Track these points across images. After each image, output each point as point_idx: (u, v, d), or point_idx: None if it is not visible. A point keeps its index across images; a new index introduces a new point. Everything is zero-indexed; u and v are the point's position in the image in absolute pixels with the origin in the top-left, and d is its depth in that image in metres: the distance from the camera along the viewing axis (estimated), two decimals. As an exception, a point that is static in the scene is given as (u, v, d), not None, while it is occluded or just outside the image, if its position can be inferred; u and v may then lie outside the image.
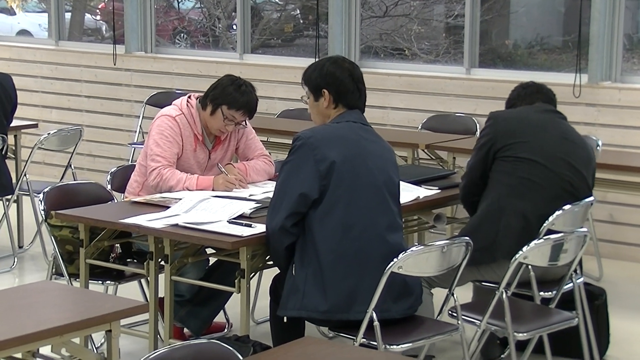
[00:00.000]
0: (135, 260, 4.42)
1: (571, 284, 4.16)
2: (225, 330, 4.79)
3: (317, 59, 4.15)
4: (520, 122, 4.20)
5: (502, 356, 4.35)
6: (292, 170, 3.71)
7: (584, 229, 3.99)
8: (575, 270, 4.19)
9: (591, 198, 4.23)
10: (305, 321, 3.82)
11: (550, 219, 4.02)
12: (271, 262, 3.92)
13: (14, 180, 6.05)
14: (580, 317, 4.06)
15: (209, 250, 4.17)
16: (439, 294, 4.10)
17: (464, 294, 4.29)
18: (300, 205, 3.66)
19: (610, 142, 6.13)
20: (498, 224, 4.06)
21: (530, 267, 3.93)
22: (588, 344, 4.24)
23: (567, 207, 4.07)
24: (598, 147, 5.83)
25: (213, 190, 4.40)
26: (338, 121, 3.81)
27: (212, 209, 4.02)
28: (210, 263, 4.53)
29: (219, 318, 4.72)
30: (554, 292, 4.09)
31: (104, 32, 9.43)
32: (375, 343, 3.55)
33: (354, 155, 3.72)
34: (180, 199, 4.20)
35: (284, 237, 3.69)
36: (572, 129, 4.32)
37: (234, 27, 8.22)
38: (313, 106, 3.90)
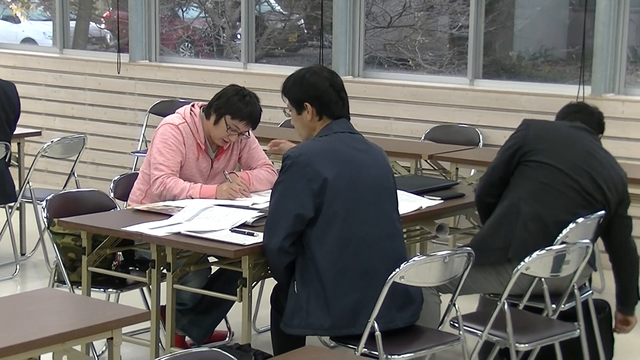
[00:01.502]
0: (137, 269, 4.42)
1: (584, 296, 4.20)
2: (227, 339, 4.79)
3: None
4: (551, 131, 4.26)
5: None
6: (285, 190, 3.67)
7: (586, 240, 3.99)
8: (584, 283, 4.22)
9: (602, 212, 4.22)
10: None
11: (565, 231, 4.03)
12: (273, 271, 3.92)
13: (17, 188, 6.06)
14: (583, 328, 4.06)
15: (211, 259, 4.17)
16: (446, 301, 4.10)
17: (468, 304, 4.29)
18: (297, 225, 3.64)
19: (614, 155, 6.10)
20: (515, 226, 4.08)
21: (543, 279, 3.94)
22: (596, 357, 4.25)
23: (580, 220, 4.08)
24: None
25: (216, 198, 4.41)
26: (326, 133, 3.75)
27: (215, 218, 4.02)
28: (213, 272, 4.53)
29: (221, 327, 4.72)
30: (567, 305, 4.11)
31: (109, 41, 9.45)
32: (376, 353, 3.55)
33: (347, 169, 3.68)
34: (183, 207, 4.20)
35: (283, 257, 3.68)
36: (603, 151, 4.31)
37: (238, 36, 8.24)
38: (296, 119, 3.84)
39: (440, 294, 4.10)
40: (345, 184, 3.66)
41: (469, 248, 3.76)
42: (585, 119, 4.36)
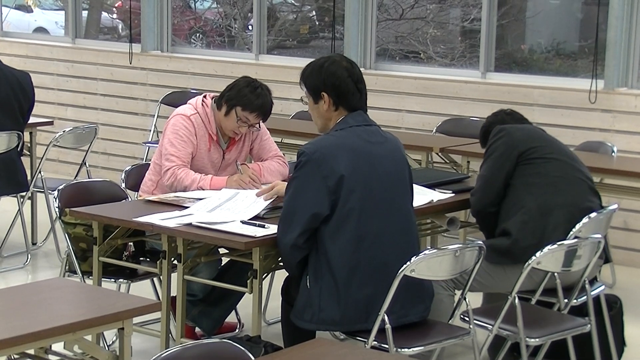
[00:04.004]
0: (148, 259, 4.42)
1: (595, 291, 4.20)
2: (237, 330, 4.80)
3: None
4: (532, 131, 4.33)
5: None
6: (300, 187, 3.65)
7: (598, 235, 3.99)
8: (595, 278, 4.22)
9: (615, 205, 4.30)
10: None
11: (578, 226, 4.06)
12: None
13: (28, 177, 6.07)
14: (594, 323, 4.05)
15: (222, 250, 4.18)
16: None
17: (477, 299, 4.28)
18: (312, 223, 3.62)
19: (626, 149, 6.10)
20: (545, 221, 4.09)
21: (556, 274, 3.94)
22: (607, 352, 4.25)
23: (593, 214, 4.11)
24: (613, 153, 5.81)
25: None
26: (341, 128, 3.71)
27: (237, 209, 4.02)
28: (223, 263, 4.54)
29: (231, 318, 4.73)
30: (578, 299, 4.12)
31: (121, 31, 9.46)
32: (386, 346, 3.55)
33: (362, 165, 3.66)
34: (195, 198, 4.21)
35: (296, 253, 3.67)
36: None
37: (250, 27, 8.23)
38: (313, 108, 3.80)
39: (456, 292, 4.09)
40: (361, 179, 3.64)
41: (480, 242, 3.75)
42: (528, 123, 4.48)
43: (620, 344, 4.50)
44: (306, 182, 3.63)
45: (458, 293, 4.08)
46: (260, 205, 4.03)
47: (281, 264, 3.93)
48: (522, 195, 4.16)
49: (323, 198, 3.60)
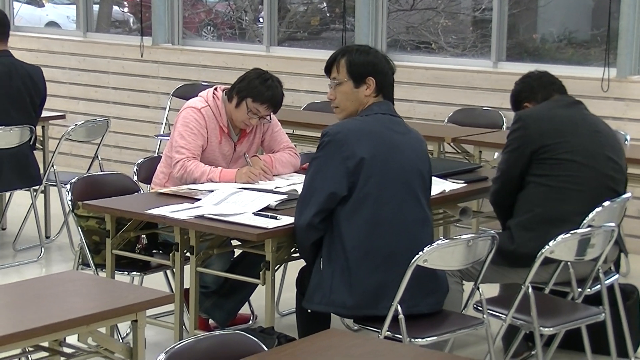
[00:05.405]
0: (161, 251, 4.43)
1: (610, 280, 4.17)
2: (250, 321, 4.80)
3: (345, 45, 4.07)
4: (551, 122, 4.14)
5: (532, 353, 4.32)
6: (320, 167, 3.68)
7: (612, 223, 3.96)
8: (610, 268, 4.19)
9: (628, 194, 4.21)
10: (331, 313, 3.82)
11: (591, 215, 3.99)
12: (296, 255, 3.92)
13: (41, 171, 6.09)
14: (608, 312, 4.03)
15: (235, 242, 4.18)
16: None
17: (492, 289, 4.27)
18: (329, 202, 3.64)
19: (639, 137, 6.07)
20: (547, 233, 3.94)
21: (569, 264, 3.91)
22: (621, 341, 4.23)
23: (606, 203, 4.05)
24: (626, 142, 5.78)
25: (236, 182, 4.40)
26: (367, 114, 3.76)
27: (242, 202, 4.02)
28: (236, 255, 4.54)
29: (244, 310, 4.73)
30: (592, 288, 4.09)
31: (132, 24, 9.47)
32: (400, 336, 3.55)
33: (383, 151, 3.68)
34: (207, 190, 4.21)
35: (311, 232, 3.68)
36: (597, 118, 4.30)
37: (261, 19, 8.23)
38: (349, 92, 3.79)
39: (464, 282, 4.08)
40: (381, 165, 3.66)
41: (493, 232, 3.74)
42: (559, 88, 4.30)
43: (637, 334, 4.47)
44: (326, 162, 3.66)
45: (465, 284, 4.08)
46: (266, 199, 4.03)
47: (294, 255, 3.93)
48: (533, 197, 4.08)
49: (342, 178, 3.62)
